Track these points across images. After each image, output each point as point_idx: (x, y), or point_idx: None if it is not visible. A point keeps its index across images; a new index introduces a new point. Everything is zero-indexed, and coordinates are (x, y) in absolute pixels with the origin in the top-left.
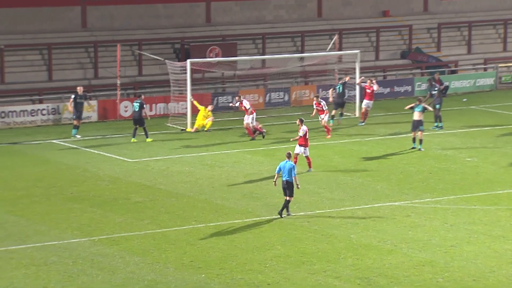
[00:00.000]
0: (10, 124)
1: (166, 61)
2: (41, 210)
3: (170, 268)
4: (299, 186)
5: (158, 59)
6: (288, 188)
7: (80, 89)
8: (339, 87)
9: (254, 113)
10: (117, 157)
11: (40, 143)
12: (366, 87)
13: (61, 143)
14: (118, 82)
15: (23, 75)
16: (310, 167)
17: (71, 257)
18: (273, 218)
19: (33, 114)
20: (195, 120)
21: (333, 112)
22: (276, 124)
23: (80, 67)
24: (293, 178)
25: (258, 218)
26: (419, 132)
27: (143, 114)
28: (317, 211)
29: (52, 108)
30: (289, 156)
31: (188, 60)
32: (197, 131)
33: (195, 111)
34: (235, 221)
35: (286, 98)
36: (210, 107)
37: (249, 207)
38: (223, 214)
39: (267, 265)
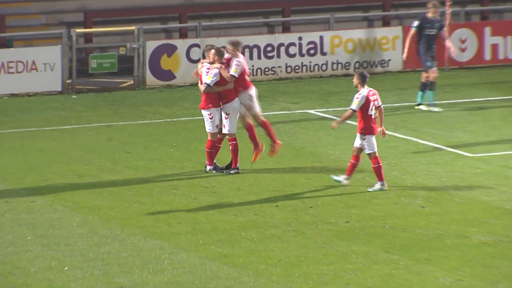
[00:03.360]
0: None
1: None
2: (287, 254)
3: None
4: None
5: None
6: None
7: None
8: None
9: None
10: (444, 147)
11: (276, 114)
12: None
13: (322, 114)
14: None
15: None
16: (380, 179)
17: None
18: None
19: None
20: None
21: None
22: None
23: None
24: None
25: None
26: None
27: None
28: None
29: (309, 42)
30: None
31: None
32: None
33: None
34: None
35: None
36: None
37: None
38: None
39: None
